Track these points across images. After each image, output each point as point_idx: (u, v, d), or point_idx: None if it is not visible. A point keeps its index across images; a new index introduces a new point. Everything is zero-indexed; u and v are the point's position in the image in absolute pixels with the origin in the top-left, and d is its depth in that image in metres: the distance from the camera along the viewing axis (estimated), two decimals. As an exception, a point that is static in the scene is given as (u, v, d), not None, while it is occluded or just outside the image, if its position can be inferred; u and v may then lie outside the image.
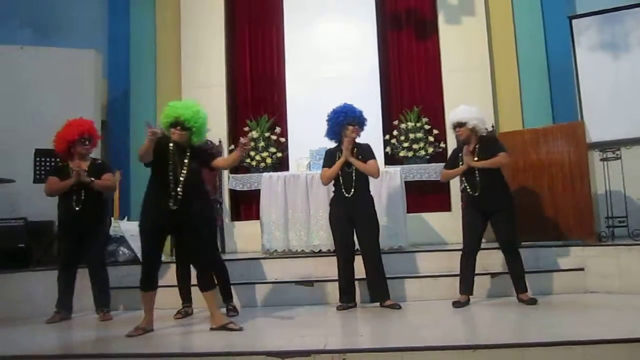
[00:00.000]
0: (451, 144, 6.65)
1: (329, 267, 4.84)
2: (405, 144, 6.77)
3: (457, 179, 6.13)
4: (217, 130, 6.43)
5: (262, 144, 6.86)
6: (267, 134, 6.92)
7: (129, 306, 4.85)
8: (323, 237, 5.38)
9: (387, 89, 7.11)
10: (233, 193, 6.90)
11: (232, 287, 4.52)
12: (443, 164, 6.64)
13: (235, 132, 7.07)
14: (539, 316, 3.89)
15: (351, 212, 4.41)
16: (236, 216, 6.97)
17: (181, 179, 3.83)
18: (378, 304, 4.42)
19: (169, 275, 5.08)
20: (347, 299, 4.42)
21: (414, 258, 5.14)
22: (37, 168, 5.40)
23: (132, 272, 5.16)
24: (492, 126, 6.57)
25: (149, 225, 3.83)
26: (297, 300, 4.71)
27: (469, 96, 6.58)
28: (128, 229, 5.65)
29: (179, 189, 3.81)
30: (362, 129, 4.56)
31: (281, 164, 6.85)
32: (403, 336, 3.54)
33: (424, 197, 6.74)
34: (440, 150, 6.81)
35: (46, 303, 4.46)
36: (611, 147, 5.44)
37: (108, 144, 6.71)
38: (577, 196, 5.09)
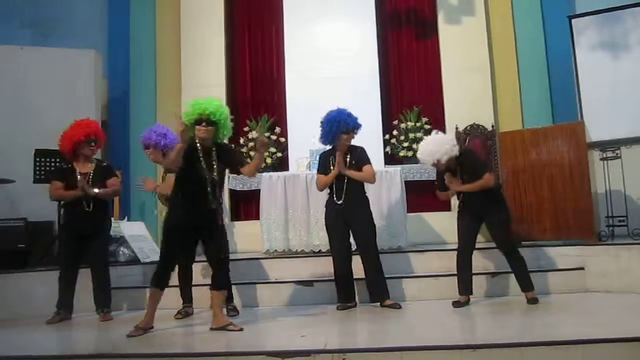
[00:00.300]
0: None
1: (329, 267, 4.83)
2: (405, 144, 6.77)
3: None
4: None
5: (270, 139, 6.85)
6: (267, 134, 6.92)
7: (129, 306, 4.86)
8: (323, 237, 5.36)
9: (387, 88, 7.11)
10: (233, 193, 6.90)
11: (232, 287, 4.52)
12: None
13: (235, 132, 7.02)
14: (538, 316, 3.89)
15: (345, 215, 4.42)
16: (236, 216, 6.98)
17: (215, 177, 3.82)
18: (378, 303, 4.42)
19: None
20: (345, 299, 4.42)
21: (414, 258, 5.14)
22: (37, 168, 5.41)
23: (132, 273, 5.19)
24: (492, 126, 6.58)
25: (182, 225, 3.77)
26: (297, 300, 4.71)
27: (468, 96, 6.62)
28: (128, 229, 5.67)
29: (215, 188, 3.81)
30: (356, 133, 4.53)
31: (281, 164, 6.85)
32: (403, 336, 3.54)
33: (423, 197, 6.72)
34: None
35: (46, 303, 4.46)
36: (611, 147, 5.44)
37: (108, 144, 6.69)
38: (577, 195, 5.09)
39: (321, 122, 4.50)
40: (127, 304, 4.86)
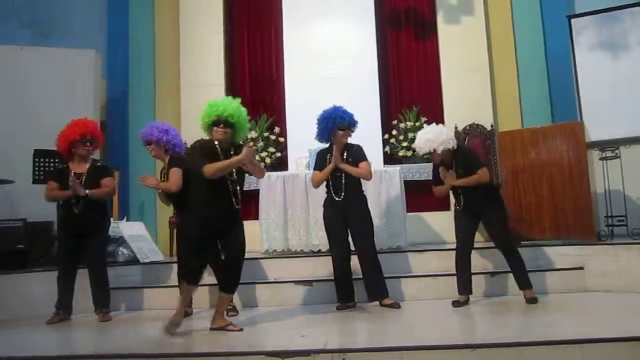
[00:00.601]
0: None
1: (329, 267, 4.83)
2: (405, 144, 6.77)
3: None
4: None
5: (261, 143, 6.86)
6: (266, 134, 6.92)
7: (128, 307, 4.85)
8: (322, 237, 5.36)
9: (386, 88, 7.11)
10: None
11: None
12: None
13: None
14: (538, 315, 3.89)
15: (343, 213, 4.41)
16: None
17: (235, 178, 3.81)
18: (377, 303, 4.42)
19: (170, 275, 5.10)
20: (345, 299, 4.42)
21: (413, 258, 5.14)
22: (37, 169, 5.40)
23: (131, 273, 5.19)
24: (492, 125, 6.58)
25: (213, 226, 3.74)
26: (296, 300, 4.71)
27: (468, 95, 6.62)
28: (127, 229, 5.66)
29: (237, 188, 3.81)
30: (352, 131, 4.53)
31: (280, 164, 6.85)
32: (403, 336, 3.54)
33: (423, 196, 6.70)
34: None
35: (45, 304, 4.45)
36: (610, 146, 5.45)
37: (107, 144, 6.69)
38: (576, 195, 5.09)
39: (317, 120, 4.50)
40: (126, 304, 4.86)
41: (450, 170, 4.36)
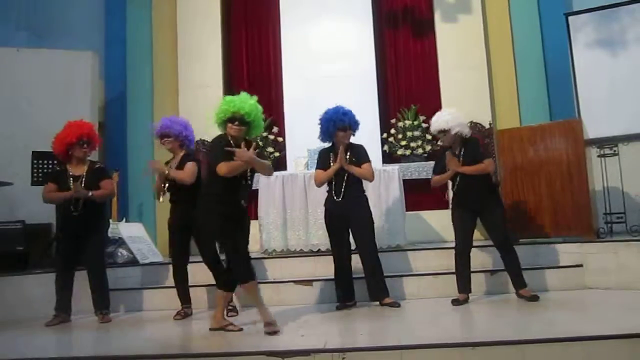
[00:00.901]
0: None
1: (328, 267, 4.83)
2: (403, 143, 6.77)
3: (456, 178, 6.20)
4: (214, 130, 6.42)
5: (259, 143, 6.86)
6: (264, 134, 6.92)
7: (128, 308, 4.85)
8: (322, 237, 5.38)
9: (385, 87, 7.12)
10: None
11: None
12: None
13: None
14: (538, 313, 3.90)
15: (345, 212, 4.40)
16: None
17: (248, 173, 3.82)
18: (377, 302, 4.42)
19: (169, 276, 5.08)
20: (345, 298, 4.42)
21: (412, 256, 5.15)
22: (35, 170, 5.39)
23: (130, 274, 5.18)
24: (490, 124, 6.58)
25: (232, 222, 3.73)
26: (296, 299, 4.70)
27: (466, 94, 6.62)
28: (126, 230, 5.66)
29: (248, 183, 3.82)
30: (354, 132, 4.53)
31: (279, 164, 6.85)
32: (403, 334, 3.53)
33: (422, 195, 6.72)
34: (438, 148, 6.80)
35: (45, 306, 4.45)
36: (609, 144, 5.45)
37: (105, 145, 6.70)
38: (575, 193, 5.09)
39: (319, 120, 4.51)
40: (126, 305, 4.85)
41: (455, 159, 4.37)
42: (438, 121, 4.41)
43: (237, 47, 7.41)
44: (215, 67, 7.11)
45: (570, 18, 6.31)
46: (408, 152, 6.74)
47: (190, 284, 4.57)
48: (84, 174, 4.44)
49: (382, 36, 7.21)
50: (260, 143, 6.85)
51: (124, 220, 6.25)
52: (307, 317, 4.12)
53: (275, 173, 5.77)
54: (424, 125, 6.82)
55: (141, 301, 4.89)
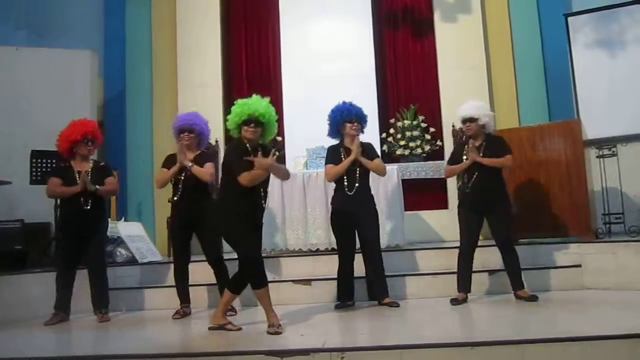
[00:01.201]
0: (448, 141, 6.67)
1: (327, 266, 4.84)
2: (402, 142, 6.78)
3: (454, 177, 6.20)
4: (213, 129, 6.39)
5: (276, 153, 6.83)
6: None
7: (127, 307, 4.84)
8: (320, 236, 5.38)
9: (384, 87, 7.12)
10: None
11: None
12: (439, 162, 6.72)
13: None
14: (536, 313, 3.90)
15: (354, 210, 4.37)
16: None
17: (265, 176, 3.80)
18: (376, 302, 4.42)
19: (168, 275, 5.09)
20: (346, 297, 4.42)
21: (411, 256, 5.15)
22: (34, 169, 5.39)
23: (129, 273, 5.18)
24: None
25: (252, 224, 3.73)
26: (295, 299, 4.70)
27: (465, 94, 6.57)
28: (125, 229, 5.65)
29: (265, 186, 3.82)
30: (362, 126, 4.53)
31: (278, 163, 6.83)
32: (402, 334, 3.54)
33: (420, 195, 6.74)
34: (437, 148, 6.82)
35: (43, 305, 4.44)
36: (607, 144, 5.46)
37: (104, 144, 6.68)
38: (573, 193, 5.10)
39: (327, 116, 4.52)
40: (125, 304, 4.85)
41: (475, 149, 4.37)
42: (469, 108, 4.42)
43: (237, 46, 7.41)
44: (215, 66, 7.11)
45: (570, 19, 6.31)
46: (407, 152, 6.75)
47: (189, 283, 4.57)
48: (89, 170, 4.46)
49: (382, 36, 7.21)
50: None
51: (123, 219, 6.25)
52: (306, 316, 4.12)
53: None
54: (423, 125, 6.83)
55: (140, 300, 4.89)
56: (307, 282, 4.81)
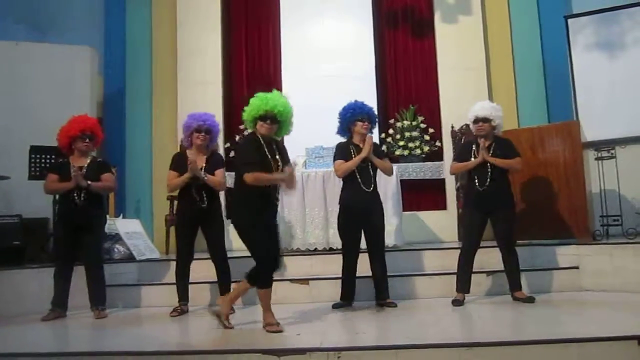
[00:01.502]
0: (447, 142, 6.67)
1: (325, 266, 4.84)
2: (401, 143, 6.78)
3: (453, 178, 6.21)
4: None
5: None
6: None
7: (124, 304, 4.84)
8: (319, 236, 5.38)
9: (384, 87, 7.13)
10: (227, 191, 6.88)
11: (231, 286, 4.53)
12: (438, 162, 6.73)
13: (231, 130, 7.07)
14: (534, 314, 3.91)
15: (366, 207, 4.35)
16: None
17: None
18: (373, 302, 4.42)
19: (166, 273, 5.09)
20: (349, 297, 4.42)
21: (409, 256, 5.14)
22: (32, 165, 5.38)
23: (127, 270, 5.17)
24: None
25: (264, 222, 3.69)
26: (292, 298, 4.70)
27: (465, 95, 6.61)
28: (123, 226, 5.65)
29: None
30: (372, 126, 4.53)
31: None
32: (398, 334, 3.54)
33: (419, 195, 6.75)
34: (436, 149, 6.82)
35: (41, 301, 4.43)
36: (606, 146, 5.46)
37: (103, 141, 6.68)
38: (572, 195, 5.11)
39: (338, 114, 4.51)
40: (123, 301, 4.84)
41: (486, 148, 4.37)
42: (485, 108, 4.43)
43: (237, 44, 7.41)
44: (215, 64, 7.10)
45: (570, 20, 6.32)
46: (406, 152, 6.75)
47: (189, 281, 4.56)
48: (86, 166, 4.47)
49: (382, 36, 7.21)
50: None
51: (121, 216, 6.25)
52: (303, 316, 4.12)
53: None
54: (422, 125, 6.83)
55: (137, 297, 4.89)
56: (304, 281, 4.81)
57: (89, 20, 7.26)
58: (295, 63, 7.03)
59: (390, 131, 6.88)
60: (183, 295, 4.46)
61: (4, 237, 5.15)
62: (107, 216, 5.72)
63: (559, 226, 5.16)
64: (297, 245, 5.48)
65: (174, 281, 4.49)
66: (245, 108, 3.78)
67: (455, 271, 4.42)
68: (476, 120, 4.44)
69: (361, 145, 4.40)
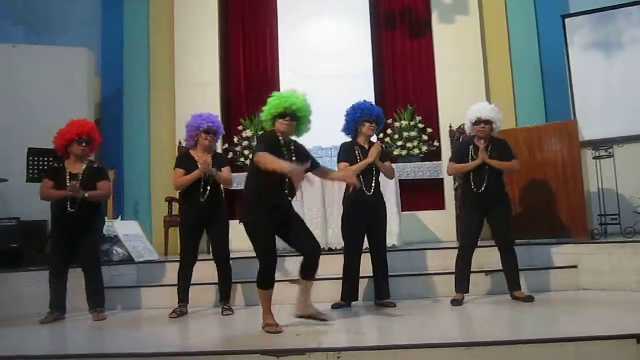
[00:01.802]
0: (445, 142, 6.68)
1: (324, 266, 4.81)
2: (399, 143, 6.79)
3: (451, 177, 6.21)
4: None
5: (256, 142, 6.84)
6: (261, 132, 6.90)
7: (123, 306, 4.83)
8: (318, 236, 5.32)
9: (381, 87, 7.13)
10: (227, 191, 6.88)
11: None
12: (436, 162, 6.74)
13: (229, 130, 7.06)
14: (532, 313, 3.91)
15: (370, 210, 4.35)
16: (231, 215, 6.94)
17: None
18: (372, 302, 4.43)
19: (165, 274, 5.08)
20: (351, 297, 4.41)
21: (407, 256, 5.15)
22: (30, 167, 5.37)
23: (126, 272, 5.17)
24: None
25: (270, 222, 3.64)
26: (291, 298, 4.68)
27: (462, 95, 6.62)
28: (122, 228, 5.64)
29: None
30: (379, 127, 4.53)
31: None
32: (397, 334, 3.55)
33: (417, 195, 6.75)
34: (434, 148, 6.83)
35: (39, 303, 4.42)
36: (604, 145, 5.47)
37: (101, 142, 6.69)
38: (570, 194, 5.12)
39: (346, 112, 4.48)
40: (121, 303, 4.84)
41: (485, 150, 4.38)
42: (487, 110, 4.44)
43: (235, 45, 7.40)
44: (213, 64, 7.10)
45: (567, 20, 6.33)
46: (404, 152, 6.76)
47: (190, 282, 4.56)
48: (82, 172, 4.42)
49: (380, 36, 7.21)
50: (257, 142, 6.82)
51: (120, 218, 6.23)
52: (302, 316, 4.11)
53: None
54: (420, 125, 6.84)
55: (136, 299, 4.88)
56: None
57: (86, 22, 7.25)
58: (293, 63, 7.04)
59: (389, 131, 6.88)
60: (183, 297, 4.45)
61: (1, 239, 5.14)
62: (105, 218, 5.73)
63: (557, 225, 5.17)
64: (296, 245, 5.46)
65: (173, 283, 4.49)
66: (263, 108, 3.76)
67: (454, 271, 4.42)
68: (478, 122, 4.43)
69: (366, 147, 4.40)
